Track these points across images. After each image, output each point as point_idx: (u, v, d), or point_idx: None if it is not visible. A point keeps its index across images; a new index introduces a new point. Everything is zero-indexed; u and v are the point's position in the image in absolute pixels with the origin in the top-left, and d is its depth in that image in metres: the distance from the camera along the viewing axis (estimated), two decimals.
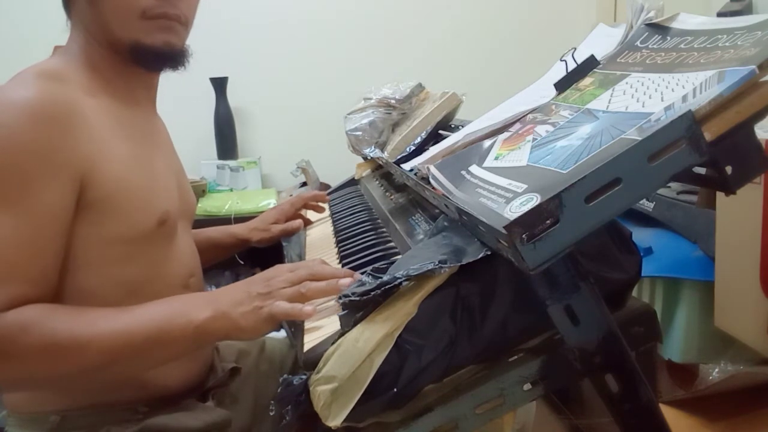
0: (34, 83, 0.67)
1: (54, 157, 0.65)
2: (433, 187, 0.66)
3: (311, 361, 0.55)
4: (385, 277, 0.55)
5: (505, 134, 0.67)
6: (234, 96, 2.09)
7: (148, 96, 0.86)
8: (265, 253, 1.18)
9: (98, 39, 0.76)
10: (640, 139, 0.43)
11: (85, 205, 0.68)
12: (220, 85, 2.04)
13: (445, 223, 0.65)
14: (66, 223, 0.67)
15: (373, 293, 0.54)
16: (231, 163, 2.06)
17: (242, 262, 1.82)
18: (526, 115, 0.68)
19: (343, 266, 0.82)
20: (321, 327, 0.63)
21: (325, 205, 1.24)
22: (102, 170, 0.69)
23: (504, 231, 0.43)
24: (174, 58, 0.79)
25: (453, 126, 1.16)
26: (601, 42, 0.71)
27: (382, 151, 1.19)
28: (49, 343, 0.61)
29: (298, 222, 1.12)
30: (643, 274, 0.64)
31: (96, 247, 0.70)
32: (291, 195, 2.03)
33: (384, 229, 0.93)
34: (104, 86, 0.76)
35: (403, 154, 1.10)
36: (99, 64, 0.77)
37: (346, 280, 0.64)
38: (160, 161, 0.83)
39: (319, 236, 1.09)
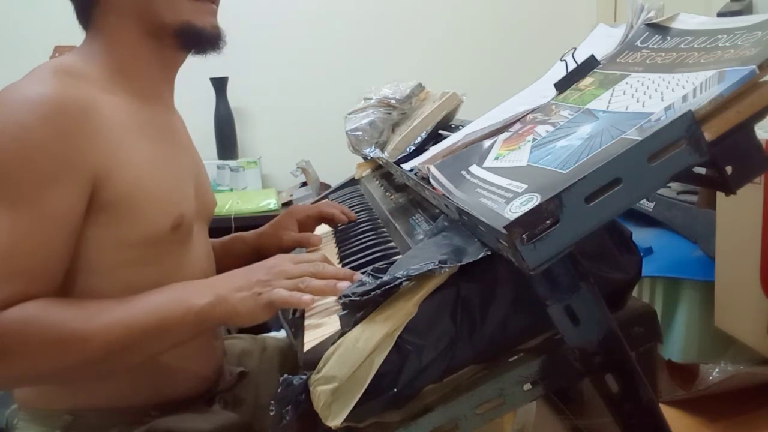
0: (51, 79, 0.66)
1: (66, 157, 0.64)
2: (433, 187, 0.66)
3: (311, 361, 0.55)
4: (386, 277, 0.55)
5: (505, 134, 0.67)
6: (234, 96, 2.09)
7: (169, 91, 0.85)
8: None
9: (137, 29, 0.75)
10: (640, 139, 0.43)
11: (98, 207, 0.67)
12: (220, 85, 2.04)
13: (445, 223, 0.65)
14: (75, 224, 0.66)
15: (373, 293, 0.54)
16: (231, 163, 2.06)
17: None
18: (526, 115, 0.68)
19: (343, 266, 0.82)
20: (321, 327, 0.63)
21: None
22: (117, 171, 0.68)
23: (504, 231, 0.43)
24: (218, 40, 0.80)
25: (453, 126, 1.16)
26: (601, 42, 0.71)
27: (382, 151, 1.19)
28: (50, 338, 0.61)
29: (317, 239, 1.00)
30: (643, 274, 0.64)
31: (108, 250, 0.69)
32: (291, 195, 2.02)
33: (384, 229, 0.93)
34: (125, 84, 0.75)
35: (403, 154, 1.10)
36: (123, 60, 0.76)
37: (345, 284, 0.64)
38: (178, 161, 0.81)
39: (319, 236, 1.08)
